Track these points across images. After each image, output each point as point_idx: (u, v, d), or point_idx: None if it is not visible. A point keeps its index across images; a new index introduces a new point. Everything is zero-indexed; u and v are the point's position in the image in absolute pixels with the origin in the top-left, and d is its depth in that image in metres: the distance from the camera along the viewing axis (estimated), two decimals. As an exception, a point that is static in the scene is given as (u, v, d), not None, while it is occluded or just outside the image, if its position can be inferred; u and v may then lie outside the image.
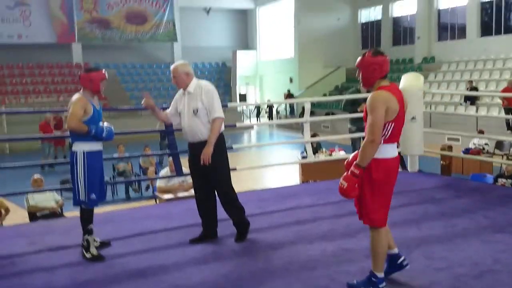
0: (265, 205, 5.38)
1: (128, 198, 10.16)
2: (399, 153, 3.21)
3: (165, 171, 7.22)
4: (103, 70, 4.02)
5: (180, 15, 27.78)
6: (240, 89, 28.83)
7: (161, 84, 26.51)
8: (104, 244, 4.13)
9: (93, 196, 3.88)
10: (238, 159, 14.57)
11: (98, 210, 4.31)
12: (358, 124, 7.03)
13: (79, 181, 3.86)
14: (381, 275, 3.10)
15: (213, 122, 4.04)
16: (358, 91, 7.23)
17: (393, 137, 3.04)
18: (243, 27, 30.97)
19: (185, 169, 6.19)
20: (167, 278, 3.51)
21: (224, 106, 4.51)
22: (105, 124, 4.03)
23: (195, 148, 4.09)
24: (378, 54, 3.06)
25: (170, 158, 6.44)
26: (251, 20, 30.52)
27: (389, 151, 3.04)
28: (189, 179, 6.91)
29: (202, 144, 4.03)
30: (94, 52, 25.89)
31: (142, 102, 4.30)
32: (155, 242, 4.24)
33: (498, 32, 19.38)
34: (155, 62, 27.83)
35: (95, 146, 3.94)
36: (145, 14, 26.86)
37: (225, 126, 4.30)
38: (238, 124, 12.97)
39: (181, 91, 4.18)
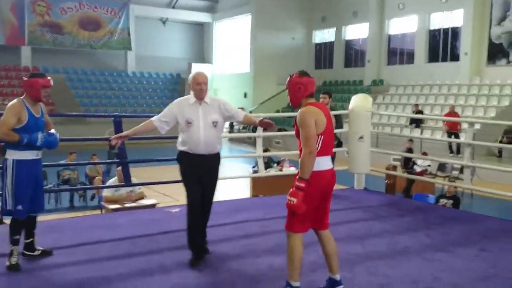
0: (216, 217, 5.33)
1: (72, 207, 9.83)
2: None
3: (112, 181, 7.05)
4: (48, 78, 3.85)
5: (136, 24, 27.50)
6: (193, 101, 28.72)
7: (113, 92, 26.01)
8: (45, 253, 3.98)
9: (20, 207, 3.73)
10: (189, 172, 14.48)
11: (41, 218, 4.16)
12: None
13: (7, 190, 3.74)
14: (296, 284, 3.16)
15: (246, 117, 4.33)
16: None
17: (324, 150, 3.18)
18: (200, 40, 31.00)
19: (134, 179, 6.09)
20: (110, 289, 3.42)
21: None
22: (50, 132, 3.88)
23: (206, 159, 3.99)
24: (303, 75, 3.27)
25: (119, 168, 6.30)
26: (208, 34, 30.62)
27: (320, 164, 3.15)
28: (137, 190, 6.80)
29: (215, 156, 4.06)
30: (44, 56, 25.13)
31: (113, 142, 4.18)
32: (99, 253, 4.12)
33: (444, 59, 20.38)
34: (107, 70, 27.31)
35: (29, 155, 3.77)
36: (99, 20, 26.39)
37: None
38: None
39: (188, 100, 4.02)
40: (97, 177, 10.38)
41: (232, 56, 28.88)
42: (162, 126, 4.05)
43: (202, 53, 30.85)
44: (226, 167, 15.12)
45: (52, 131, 3.93)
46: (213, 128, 3.98)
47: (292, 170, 8.22)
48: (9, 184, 3.72)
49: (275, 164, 9.99)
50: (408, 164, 10.73)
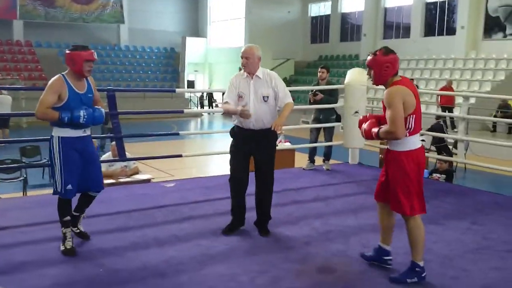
0: (210, 192, 5.39)
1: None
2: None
3: (106, 156, 7.03)
4: (91, 51, 3.58)
5: (129, -4, 27.05)
6: (188, 76, 28.51)
7: (106, 67, 25.74)
8: (82, 235, 3.87)
9: (69, 186, 3.55)
10: (185, 146, 14.45)
11: (37, 193, 4.16)
12: (325, 114, 6.90)
13: (56, 169, 3.57)
14: (422, 263, 3.22)
15: (287, 105, 4.02)
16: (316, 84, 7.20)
17: (417, 128, 3.18)
18: (194, 14, 30.56)
19: (128, 154, 6.09)
20: (104, 261, 3.46)
21: (172, 91, 4.46)
22: (96, 107, 3.64)
23: (256, 134, 4.00)
24: (389, 52, 3.19)
25: (113, 143, 6.28)
26: (202, 7, 30.18)
27: (415, 142, 3.18)
28: (132, 165, 6.79)
29: (265, 131, 3.99)
30: (36, 30, 24.74)
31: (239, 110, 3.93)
32: (94, 226, 4.14)
33: (440, 33, 20.25)
34: (100, 43, 26.93)
35: (73, 132, 3.55)
36: (91, -7, 25.94)
37: (172, 112, 4.26)
38: (186, 111, 12.91)
39: (242, 74, 4.07)
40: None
41: (227, 29, 28.55)
42: (230, 100, 4.06)
43: (196, 27, 30.47)
44: (221, 142, 15.18)
45: (99, 106, 3.70)
46: (263, 103, 3.99)
47: (287, 145, 8.22)
48: (57, 163, 3.54)
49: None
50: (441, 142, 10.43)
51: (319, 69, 6.83)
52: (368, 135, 3.29)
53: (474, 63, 18.00)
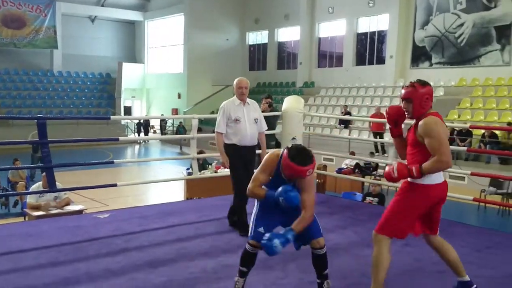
0: (147, 222, 5.24)
1: (-7, 215, 9.27)
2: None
3: (36, 186, 6.71)
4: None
5: (63, 22, 26.37)
6: (125, 102, 27.98)
7: (37, 93, 24.80)
8: None
9: None
10: (119, 175, 14.04)
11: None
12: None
13: None
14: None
15: (263, 134, 5.17)
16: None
17: None
18: (131, 39, 30.27)
19: (59, 184, 5.83)
20: (33, 301, 3.25)
21: (106, 118, 4.39)
22: None
23: (249, 149, 4.98)
24: (426, 84, 3.14)
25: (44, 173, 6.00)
26: (139, 33, 29.97)
27: (438, 176, 3.12)
28: (63, 195, 6.51)
29: (255, 147, 5.07)
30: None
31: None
32: (22, 262, 3.90)
33: (371, 62, 21.26)
34: (32, 69, 25.98)
35: None
36: (23, 18, 25.08)
37: (107, 140, 4.19)
38: (121, 138, 12.58)
39: (236, 102, 4.93)
40: (20, 183, 9.87)
41: (165, 55, 28.45)
42: (225, 129, 4.91)
43: (133, 52, 30.14)
44: (159, 170, 14.91)
45: None
46: (254, 124, 4.98)
47: (226, 171, 8.20)
48: None
49: (209, 166, 9.94)
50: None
51: (263, 100, 7.53)
52: (404, 175, 3.08)
53: (402, 91, 18.96)
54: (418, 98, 3.10)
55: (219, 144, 4.94)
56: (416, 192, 3.12)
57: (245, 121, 4.89)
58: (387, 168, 3.17)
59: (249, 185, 3.26)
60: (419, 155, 3.11)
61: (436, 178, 3.12)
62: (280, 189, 3.09)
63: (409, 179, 3.15)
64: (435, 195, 3.15)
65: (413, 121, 3.25)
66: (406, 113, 3.21)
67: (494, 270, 3.94)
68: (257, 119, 4.99)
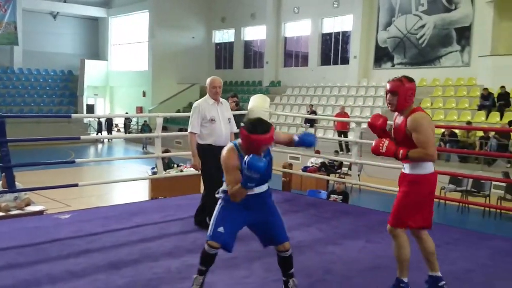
0: (110, 222, 5.16)
1: None
2: None
3: (-5, 187, 6.50)
4: None
5: (24, 17, 25.61)
6: (88, 99, 27.40)
7: (-4, 90, 24.00)
8: None
9: None
10: (82, 174, 13.76)
11: None
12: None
13: None
14: (406, 279, 3.30)
15: (233, 134, 4.93)
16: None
17: None
18: (94, 36, 29.68)
19: (19, 184, 5.67)
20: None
21: (67, 116, 4.29)
22: None
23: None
24: (411, 80, 3.28)
25: (3, 173, 5.82)
26: (103, 29, 29.43)
27: (431, 166, 3.28)
28: (23, 196, 6.34)
29: None
30: None
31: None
32: (-22, 266, 3.78)
33: (335, 62, 21.56)
34: (-10, 66, 25.15)
35: None
36: (-18, 13, 24.23)
37: (68, 139, 4.09)
38: (82, 137, 12.25)
39: (209, 101, 4.84)
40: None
41: (129, 53, 28.02)
42: (199, 129, 4.80)
43: (96, 49, 29.56)
44: (123, 169, 14.67)
45: None
46: (228, 123, 4.92)
47: (192, 170, 8.16)
48: None
49: (175, 165, 9.87)
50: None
51: (230, 98, 7.01)
52: (390, 153, 3.26)
53: (365, 90, 19.34)
54: (403, 92, 3.24)
55: (192, 145, 4.81)
56: (427, 182, 3.28)
57: (220, 121, 4.82)
58: (375, 142, 3.32)
59: (229, 192, 3.17)
60: (407, 147, 3.28)
61: (432, 167, 3.32)
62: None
63: (410, 172, 3.29)
64: (435, 182, 3.37)
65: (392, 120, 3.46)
66: (389, 105, 3.35)
67: (453, 266, 4.07)
68: (230, 118, 4.95)
